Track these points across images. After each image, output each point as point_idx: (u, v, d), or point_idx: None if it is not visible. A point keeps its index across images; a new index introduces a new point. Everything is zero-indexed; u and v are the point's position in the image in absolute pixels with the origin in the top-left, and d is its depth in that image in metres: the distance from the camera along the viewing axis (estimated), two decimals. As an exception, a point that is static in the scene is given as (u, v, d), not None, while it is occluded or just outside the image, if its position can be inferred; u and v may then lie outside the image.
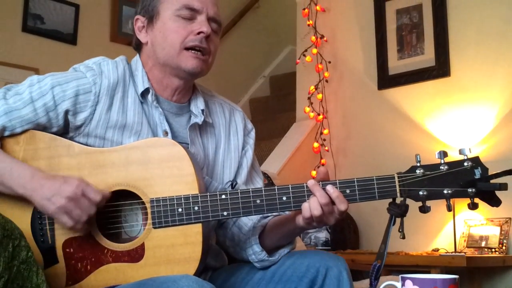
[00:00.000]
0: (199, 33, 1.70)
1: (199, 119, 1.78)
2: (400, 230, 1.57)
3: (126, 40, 4.85)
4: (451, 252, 3.65)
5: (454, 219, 3.78)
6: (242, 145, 1.89)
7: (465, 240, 3.78)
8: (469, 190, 1.53)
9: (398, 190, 1.56)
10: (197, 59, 1.71)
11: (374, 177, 1.57)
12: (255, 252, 1.73)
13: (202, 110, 1.79)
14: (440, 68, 4.16)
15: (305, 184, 1.58)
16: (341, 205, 1.55)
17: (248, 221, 1.77)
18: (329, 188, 1.55)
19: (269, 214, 1.75)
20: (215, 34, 1.76)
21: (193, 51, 1.71)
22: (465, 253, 3.59)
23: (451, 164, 1.55)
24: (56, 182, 1.53)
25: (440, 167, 1.55)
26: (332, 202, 1.55)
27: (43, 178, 1.54)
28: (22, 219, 1.57)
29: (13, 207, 1.59)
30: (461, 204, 3.72)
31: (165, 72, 1.75)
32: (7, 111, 1.61)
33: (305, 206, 1.55)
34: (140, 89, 1.72)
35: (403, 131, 4.31)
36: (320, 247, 4.15)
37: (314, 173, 4.61)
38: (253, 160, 1.91)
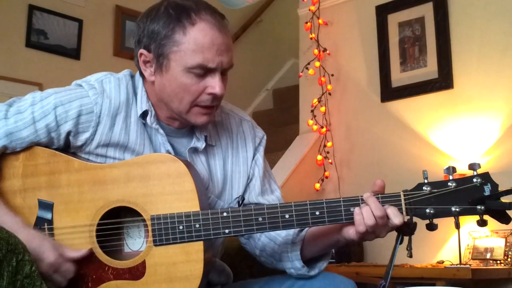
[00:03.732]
0: (211, 93, 1.62)
1: (200, 144, 1.73)
2: (408, 248, 1.54)
3: (129, 54, 4.85)
4: (456, 264, 3.62)
5: (458, 231, 3.75)
6: (252, 156, 1.84)
7: (470, 252, 3.76)
8: (478, 207, 1.49)
9: (404, 209, 1.53)
10: (207, 114, 1.66)
11: (379, 195, 1.54)
12: (295, 268, 1.71)
13: (205, 136, 1.74)
14: (443, 80, 4.16)
15: (308, 202, 1.56)
16: (395, 219, 1.52)
17: (281, 232, 1.72)
18: (387, 207, 1.52)
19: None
20: (225, 76, 1.67)
21: (203, 108, 1.64)
22: (470, 265, 3.57)
23: (459, 181, 1.51)
24: (33, 252, 1.48)
25: (448, 184, 1.51)
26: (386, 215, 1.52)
27: (22, 239, 1.47)
28: (23, 235, 1.56)
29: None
30: (465, 216, 3.69)
31: (170, 114, 1.69)
32: (7, 133, 1.59)
33: (357, 217, 1.53)
34: (139, 111, 1.68)
35: (406, 143, 4.30)
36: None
37: (318, 186, 4.61)
38: (265, 167, 1.86)
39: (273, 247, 1.74)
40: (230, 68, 1.66)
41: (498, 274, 3.55)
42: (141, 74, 1.71)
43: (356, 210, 1.53)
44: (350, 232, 1.57)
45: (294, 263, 1.71)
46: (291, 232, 1.71)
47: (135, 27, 1.71)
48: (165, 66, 1.61)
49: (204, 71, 1.60)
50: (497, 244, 3.69)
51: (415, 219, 1.53)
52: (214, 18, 1.62)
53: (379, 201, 1.53)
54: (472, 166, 1.51)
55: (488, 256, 3.69)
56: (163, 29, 1.60)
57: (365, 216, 1.52)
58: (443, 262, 3.74)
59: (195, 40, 1.58)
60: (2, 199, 1.59)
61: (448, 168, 1.52)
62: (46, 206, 1.60)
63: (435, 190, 1.51)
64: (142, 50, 1.65)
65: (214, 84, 1.61)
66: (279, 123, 5.88)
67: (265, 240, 1.76)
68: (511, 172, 3.69)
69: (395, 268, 3.48)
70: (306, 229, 1.72)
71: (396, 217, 1.51)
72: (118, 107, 1.66)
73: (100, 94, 1.64)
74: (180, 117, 1.67)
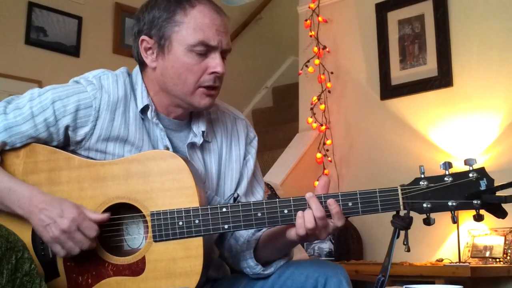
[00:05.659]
0: (213, 72, 1.66)
1: (198, 139, 1.76)
2: (405, 243, 1.54)
3: (129, 52, 4.77)
4: (455, 262, 3.63)
5: (458, 229, 3.77)
6: (244, 155, 1.86)
7: (469, 250, 3.76)
8: (474, 202, 1.51)
9: (401, 203, 1.54)
10: (209, 96, 1.69)
11: (377, 190, 1.55)
12: (250, 266, 1.72)
13: (203, 132, 1.76)
14: (443, 78, 4.15)
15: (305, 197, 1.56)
16: (339, 221, 1.54)
17: (244, 233, 1.75)
18: (331, 202, 1.53)
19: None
20: (225, 60, 1.72)
21: (206, 89, 1.67)
22: (469, 263, 3.58)
23: (455, 176, 1.53)
24: (54, 211, 1.52)
25: (445, 179, 1.53)
26: (328, 216, 1.53)
27: (41, 202, 1.54)
28: (23, 232, 1.57)
29: (15, 220, 1.59)
30: (465, 214, 3.71)
31: (172, 101, 1.72)
32: (7, 127, 1.60)
33: (299, 220, 1.54)
34: (140, 105, 1.70)
35: (406, 141, 4.30)
36: (324, 258, 4.14)
37: (317, 183, 4.59)
38: (254, 169, 1.89)
39: (236, 247, 1.77)
40: (229, 52, 1.72)
41: (498, 272, 3.55)
42: (141, 66, 1.75)
43: (299, 213, 1.55)
44: (292, 234, 1.58)
45: (248, 262, 1.72)
46: (250, 231, 1.74)
47: (134, 21, 1.75)
48: (167, 47, 1.66)
49: (205, 50, 1.65)
50: (497, 242, 3.69)
51: (411, 213, 1.53)
52: (212, 3, 1.70)
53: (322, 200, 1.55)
54: (468, 162, 1.53)
55: (488, 254, 3.69)
56: (164, 12, 1.67)
57: (306, 218, 1.53)
58: (442, 260, 3.74)
59: (195, 20, 1.65)
60: (11, 174, 1.61)
61: (444, 163, 1.54)
62: (46, 203, 1.60)
63: (432, 185, 1.53)
64: (143, 37, 1.70)
65: (215, 63, 1.66)
66: (279, 121, 5.88)
67: (232, 241, 1.78)
68: (510, 170, 3.69)
69: (394, 266, 3.51)
70: (264, 230, 1.74)
71: (339, 220, 1.54)
72: (117, 102, 1.68)
73: (98, 90, 1.66)
74: (184, 101, 1.69)
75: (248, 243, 1.73)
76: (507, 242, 3.64)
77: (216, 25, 1.66)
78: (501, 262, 3.60)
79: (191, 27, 1.64)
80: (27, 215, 1.54)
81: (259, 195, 1.89)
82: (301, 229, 1.54)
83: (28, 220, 1.55)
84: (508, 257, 3.60)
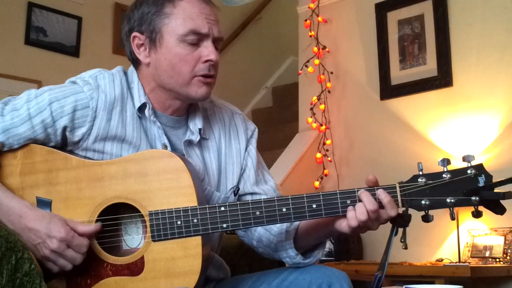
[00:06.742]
0: (207, 60, 1.66)
1: (195, 137, 1.75)
2: (402, 240, 1.54)
3: (129, 52, 4.85)
4: (455, 262, 3.63)
5: (458, 229, 3.77)
6: (244, 148, 1.86)
7: (469, 250, 3.76)
8: (473, 198, 1.50)
9: (399, 200, 1.53)
10: (206, 85, 1.68)
11: (376, 187, 1.55)
12: (290, 256, 1.73)
13: (200, 129, 1.76)
14: (443, 78, 4.15)
15: (304, 195, 1.57)
16: (392, 211, 1.53)
17: None
18: (380, 193, 1.53)
19: None
20: (218, 50, 1.72)
21: (202, 77, 1.67)
22: (469, 263, 3.58)
23: (454, 172, 1.52)
24: (42, 230, 1.52)
25: (443, 175, 1.52)
26: (381, 207, 1.53)
27: (30, 220, 1.53)
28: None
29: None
30: (464, 214, 3.71)
31: (169, 95, 1.71)
32: (4, 129, 1.60)
33: (350, 213, 1.53)
34: (137, 104, 1.70)
35: (405, 141, 4.30)
36: (324, 258, 4.14)
37: (317, 183, 4.61)
38: (258, 158, 1.88)
39: (269, 237, 1.76)
40: (221, 41, 1.73)
41: (497, 272, 3.55)
42: (136, 64, 1.75)
43: (350, 207, 1.54)
44: (342, 225, 1.58)
45: (288, 252, 1.73)
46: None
47: (125, 21, 1.75)
48: (159, 40, 1.67)
49: (197, 38, 1.65)
50: (496, 242, 3.69)
51: (410, 210, 1.53)
52: None
53: (374, 193, 1.53)
54: (466, 158, 1.52)
55: (487, 254, 3.69)
56: (153, 6, 1.68)
57: (357, 211, 1.52)
58: (442, 260, 3.74)
59: (184, 10, 1.66)
60: (4, 187, 1.60)
61: (442, 160, 1.53)
62: (44, 203, 1.60)
63: (430, 182, 1.52)
64: (134, 33, 1.70)
65: (208, 52, 1.66)
66: (279, 121, 5.89)
67: (261, 231, 1.77)
68: (510, 169, 3.69)
69: (394, 266, 3.51)
70: None
71: (392, 209, 1.53)
72: (114, 102, 1.67)
73: (95, 89, 1.66)
74: (181, 93, 1.69)
75: (287, 233, 1.73)
76: (507, 242, 3.64)
77: (205, 14, 1.67)
78: (501, 262, 3.60)
79: (181, 17, 1.65)
80: (18, 231, 1.53)
81: (271, 182, 1.88)
82: (353, 220, 1.53)
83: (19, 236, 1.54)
84: (508, 257, 3.60)
